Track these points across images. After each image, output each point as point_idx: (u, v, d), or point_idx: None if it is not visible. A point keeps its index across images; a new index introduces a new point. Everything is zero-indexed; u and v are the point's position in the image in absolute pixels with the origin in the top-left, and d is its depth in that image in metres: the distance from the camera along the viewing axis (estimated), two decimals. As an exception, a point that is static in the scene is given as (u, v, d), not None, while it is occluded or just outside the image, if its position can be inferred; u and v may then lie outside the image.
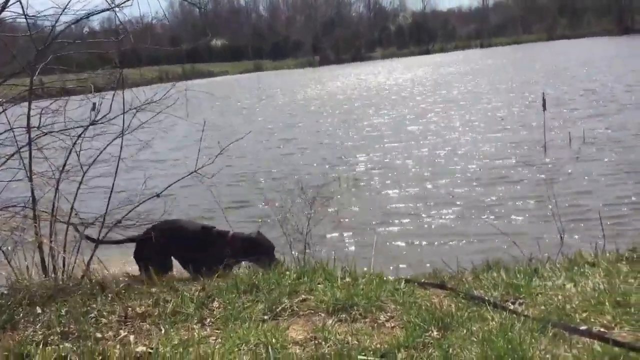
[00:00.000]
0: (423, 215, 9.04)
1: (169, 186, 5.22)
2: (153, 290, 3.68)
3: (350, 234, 8.39)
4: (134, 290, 3.71)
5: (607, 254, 4.05)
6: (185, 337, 2.92)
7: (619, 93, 20.64)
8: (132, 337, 2.98)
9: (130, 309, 3.34)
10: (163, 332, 3.04)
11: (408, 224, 8.73)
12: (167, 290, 3.69)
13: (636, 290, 3.12)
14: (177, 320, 3.20)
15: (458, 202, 9.46)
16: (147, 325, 3.15)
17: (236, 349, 2.74)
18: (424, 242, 7.88)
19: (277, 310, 3.24)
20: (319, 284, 3.63)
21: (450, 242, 7.69)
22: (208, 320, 3.20)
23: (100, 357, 2.72)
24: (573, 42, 65.94)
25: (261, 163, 14.69)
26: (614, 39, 62.13)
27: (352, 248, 7.79)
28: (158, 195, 5.10)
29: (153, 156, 15.12)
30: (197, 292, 3.60)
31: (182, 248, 4.63)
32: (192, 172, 5.23)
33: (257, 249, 4.58)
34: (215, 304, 3.43)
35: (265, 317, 3.17)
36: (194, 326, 3.10)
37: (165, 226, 4.78)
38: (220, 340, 2.89)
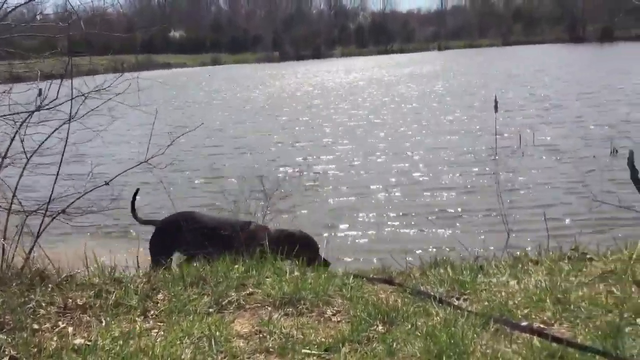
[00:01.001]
0: (372, 220, 9.05)
1: (118, 175, 5.09)
2: (95, 281, 3.58)
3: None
4: (75, 281, 3.60)
5: (551, 253, 4.14)
6: (127, 330, 2.85)
7: (571, 100, 21.18)
8: (70, 329, 2.89)
9: (70, 300, 3.24)
10: (104, 324, 2.96)
11: (357, 228, 8.75)
12: (110, 281, 3.59)
13: (576, 288, 3.20)
14: (119, 312, 3.12)
15: (407, 208, 9.52)
16: (88, 317, 3.06)
17: (178, 342, 2.69)
18: (373, 248, 7.87)
19: (223, 303, 3.19)
20: (267, 277, 3.59)
21: (399, 247, 7.68)
22: (152, 312, 3.13)
23: (35, 349, 2.63)
24: (527, 48, 67.36)
25: (214, 160, 14.49)
26: (566, 47, 63.85)
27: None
28: (107, 184, 4.96)
29: (102, 145, 14.75)
30: (141, 284, 3.52)
31: (216, 242, 4.53)
32: (141, 162, 5.13)
33: (298, 246, 4.45)
34: (160, 296, 3.35)
35: (211, 310, 3.12)
36: (137, 318, 3.03)
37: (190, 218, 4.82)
38: (162, 333, 2.83)
